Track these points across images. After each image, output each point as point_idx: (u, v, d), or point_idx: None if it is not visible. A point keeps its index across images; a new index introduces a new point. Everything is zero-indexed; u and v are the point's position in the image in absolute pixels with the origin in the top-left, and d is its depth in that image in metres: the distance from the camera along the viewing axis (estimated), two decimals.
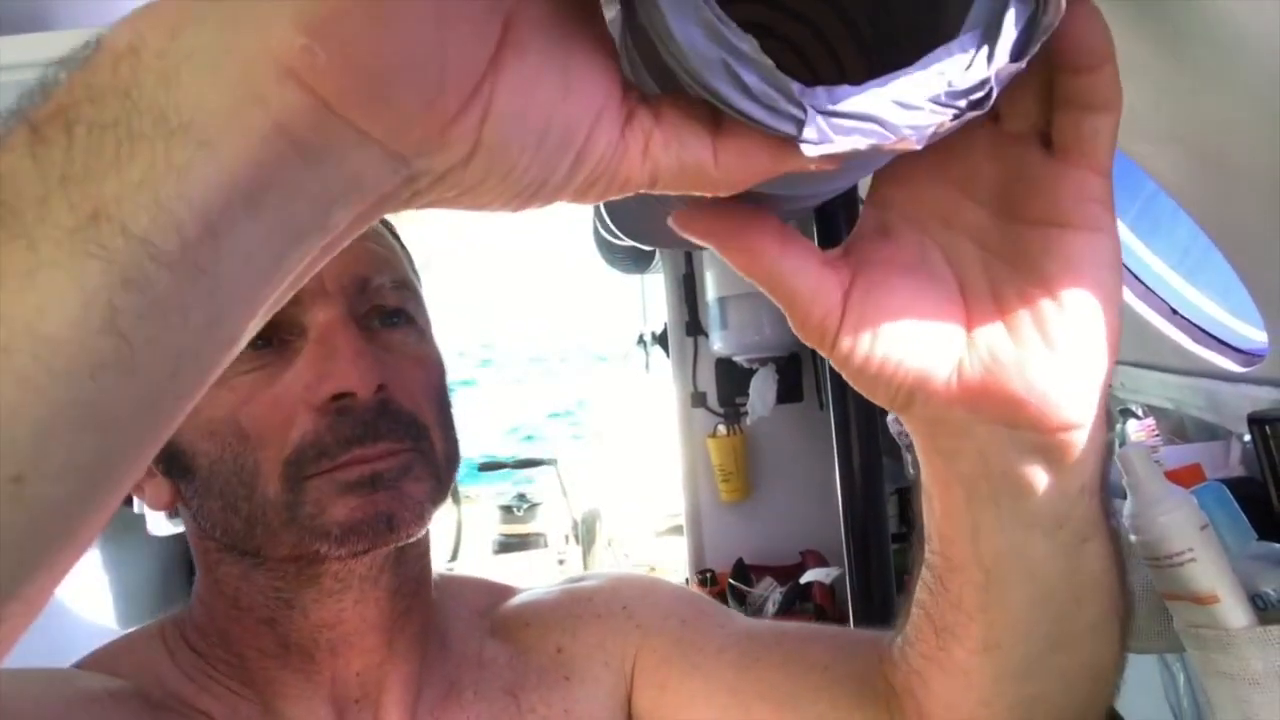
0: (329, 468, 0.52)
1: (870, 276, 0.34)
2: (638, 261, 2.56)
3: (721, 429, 2.51)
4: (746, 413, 2.40)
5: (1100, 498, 0.39)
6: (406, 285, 0.59)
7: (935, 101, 0.28)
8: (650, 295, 3.02)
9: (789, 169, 0.28)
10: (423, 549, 0.61)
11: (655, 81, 0.30)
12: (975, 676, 0.45)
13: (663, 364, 2.66)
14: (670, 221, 0.34)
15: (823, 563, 2.33)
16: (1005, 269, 0.34)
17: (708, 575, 2.49)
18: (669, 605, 0.68)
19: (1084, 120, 0.32)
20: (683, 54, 0.26)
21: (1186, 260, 0.90)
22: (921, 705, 0.51)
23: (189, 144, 0.22)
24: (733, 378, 2.45)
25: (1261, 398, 0.73)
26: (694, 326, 2.50)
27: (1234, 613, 0.57)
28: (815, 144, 0.27)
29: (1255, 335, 0.80)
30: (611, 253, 2.53)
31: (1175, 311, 0.89)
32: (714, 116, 0.28)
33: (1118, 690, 0.47)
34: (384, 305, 0.57)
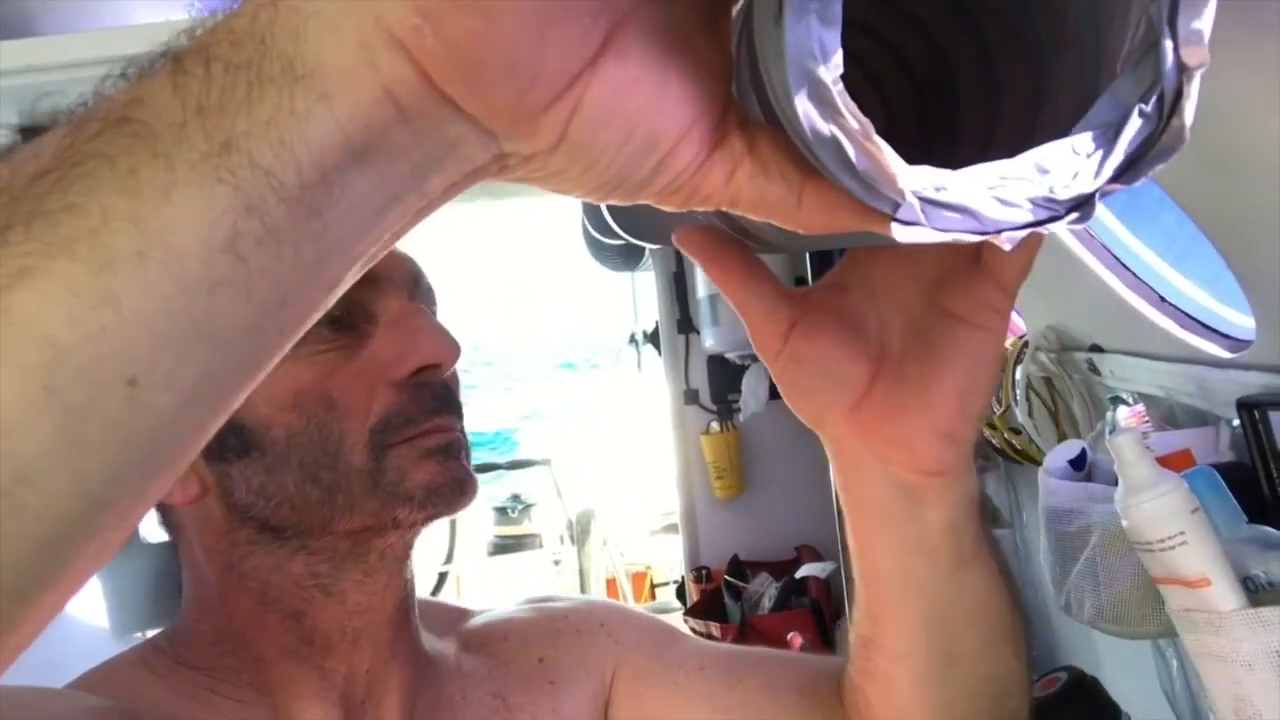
0: (412, 435, 0.56)
1: (815, 318, 0.42)
2: (627, 259, 2.56)
3: (714, 426, 2.51)
4: (739, 409, 2.40)
5: (973, 535, 0.46)
6: (433, 290, 0.64)
7: (1035, 203, 0.27)
8: (641, 293, 3.02)
9: (871, 230, 0.28)
10: (412, 555, 0.64)
11: (760, 111, 0.29)
12: (895, 683, 0.52)
13: (655, 362, 2.66)
14: (674, 237, 0.40)
15: (817, 557, 2.33)
16: (915, 343, 0.42)
17: (703, 572, 2.49)
18: (643, 626, 0.72)
19: (1004, 258, 0.39)
20: (795, 121, 0.26)
21: (1174, 248, 0.90)
22: (864, 717, 0.57)
23: (310, 94, 0.24)
24: (725, 374, 2.45)
25: (1250, 383, 0.74)
26: (685, 324, 2.50)
27: (1225, 595, 0.57)
28: (906, 225, 0.27)
29: (1242, 321, 0.81)
30: (601, 251, 2.53)
31: (1163, 299, 0.90)
32: (808, 162, 0.28)
33: (1028, 699, 0.54)
34: (427, 306, 0.61)
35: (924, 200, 0.27)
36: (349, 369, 0.56)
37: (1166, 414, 0.90)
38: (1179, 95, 0.27)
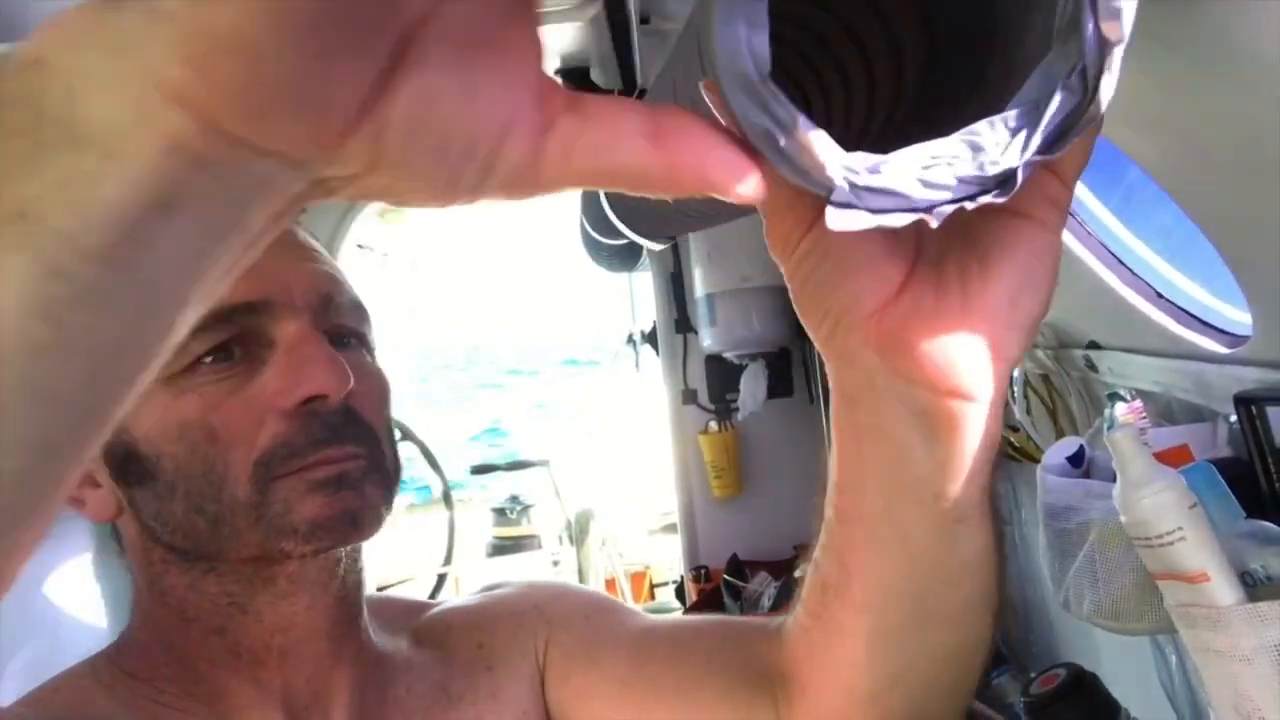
0: (299, 467, 0.54)
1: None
2: (625, 260, 2.56)
3: (713, 425, 2.51)
4: (737, 409, 2.40)
5: (981, 488, 0.41)
6: (360, 307, 0.62)
7: (963, 180, 0.29)
8: (639, 293, 3.02)
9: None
10: (362, 561, 0.64)
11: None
12: (850, 637, 0.48)
13: (653, 362, 2.66)
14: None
15: None
16: (957, 241, 0.37)
17: (702, 572, 2.49)
18: (577, 603, 0.72)
19: None
20: (733, 114, 0.28)
21: (1170, 244, 0.90)
22: (803, 677, 0.54)
23: (94, 155, 0.23)
24: (723, 374, 2.45)
25: (1247, 378, 0.74)
26: (683, 324, 2.50)
27: (1224, 590, 0.57)
28: (840, 209, 0.28)
29: (1239, 317, 0.81)
30: (599, 251, 2.53)
31: (1160, 295, 0.90)
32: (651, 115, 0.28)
33: (979, 676, 0.49)
34: (344, 325, 0.60)
35: (854, 185, 0.28)
36: (236, 400, 0.55)
37: (1164, 410, 0.90)
38: (1100, 70, 0.28)
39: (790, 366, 2.44)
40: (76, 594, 2.10)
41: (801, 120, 0.28)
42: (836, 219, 0.28)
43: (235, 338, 0.56)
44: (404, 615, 0.72)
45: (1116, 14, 0.28)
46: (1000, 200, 0.29)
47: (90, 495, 0.58)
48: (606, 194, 1.22)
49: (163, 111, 0.22)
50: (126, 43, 0.22)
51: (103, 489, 0.58)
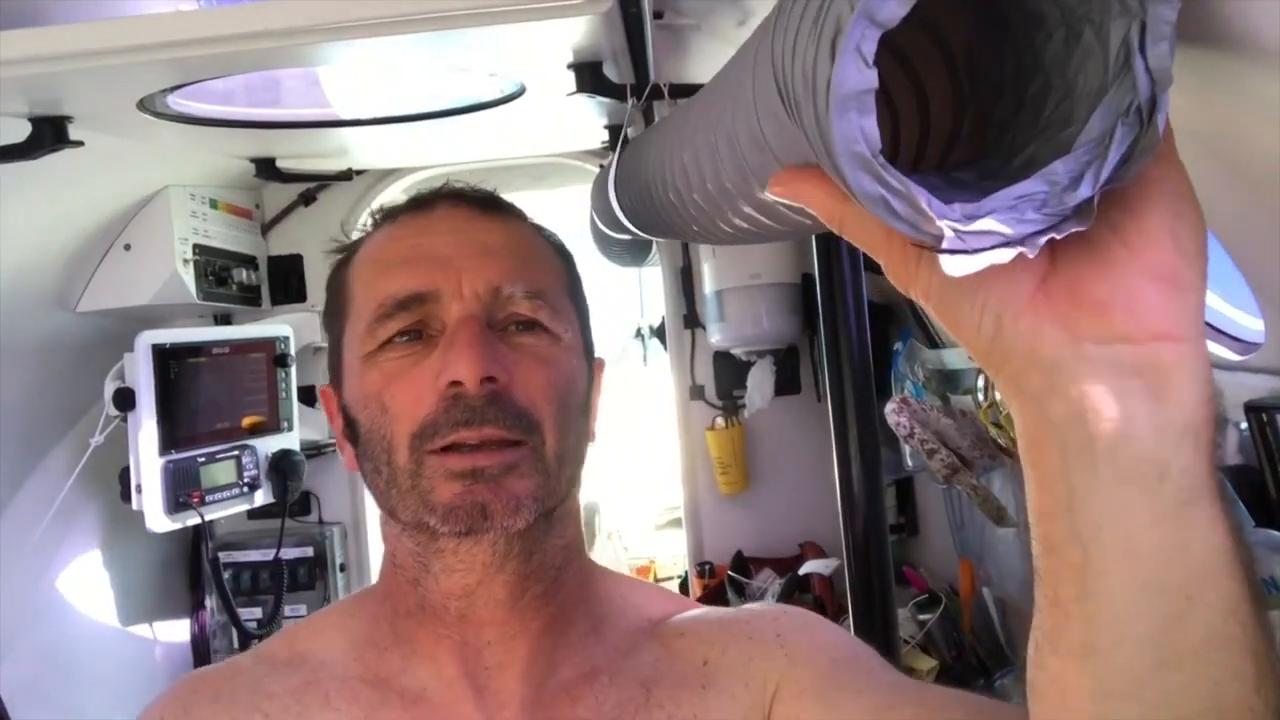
0: (442, 447, 0.60)
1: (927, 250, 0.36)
2: (635, 255, 2.56)
3: (720, 421, 2.50)
4: (744, 405, 2.40)
5: (1209, 456, 0.36)
6: (541, 295, 0.66)
7: (1048, 214, 0.33)
8: (648, 288, 3.02)
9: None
10: (563, 542, 0.67)
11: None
12: (1072, 696, 0.39)
13: (661, 357, 2.66)
14: (770, 189, 0.42)
15: (821, 554, 2.33)
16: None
17: (707, 567, 2.49)
18: (823, 641, 0.70)
19: None
20: (850, 186, 0.33)
21: None
22: None
23: None
24: (731, 370, 2.45)
25: (1259, 386, 0.74)
26: (692, 319, 2.50)
27: None
28: (953, 255, 0.33)
29: (1253, 324, 0.81)
30: (609, 246, 2.53)
31: None
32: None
33: None
34: (517, 313, 0.65)
35: (959, 232, 0.32)
36: (407, 378, 0.63)
37: None
38: (1154, 105, 0.33)
39: (798, 364, 2.44)
40: (86, 584, 2.11)
41: (912, 186, 0.32)
42: (952, 265, 0.33)
43: (420, 323, 0.64)
44: (663, 608, 0.74)
45: (1164, 57, 0.33)
46: (1083, 227, 0.33)
47: (344, 449, 0.69)
48: (616, 192, 1.21)
49: None
50: None
51: (349, 446, 0.68)
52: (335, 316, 0.71)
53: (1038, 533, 0.39)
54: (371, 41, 0.99)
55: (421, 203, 0.71)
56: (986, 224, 0.32)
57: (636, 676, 0.67)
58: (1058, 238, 0.33)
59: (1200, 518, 0.35)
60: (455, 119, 1.60)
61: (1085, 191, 0.33)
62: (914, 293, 0.39)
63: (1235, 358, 0.79)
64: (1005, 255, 0.33)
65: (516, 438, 0.61)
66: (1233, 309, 0.84)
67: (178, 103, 1.33)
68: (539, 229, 0.74)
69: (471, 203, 0.71)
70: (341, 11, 0.93)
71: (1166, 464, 0.35)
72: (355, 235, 0.75)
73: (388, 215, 0.72)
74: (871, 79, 0.32)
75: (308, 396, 2.18)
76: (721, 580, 2.37)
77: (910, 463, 2.03)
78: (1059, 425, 0.36)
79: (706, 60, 1.31)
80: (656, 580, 3.76)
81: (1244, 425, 0.75)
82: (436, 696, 0.65)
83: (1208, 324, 0.85)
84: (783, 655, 0.67)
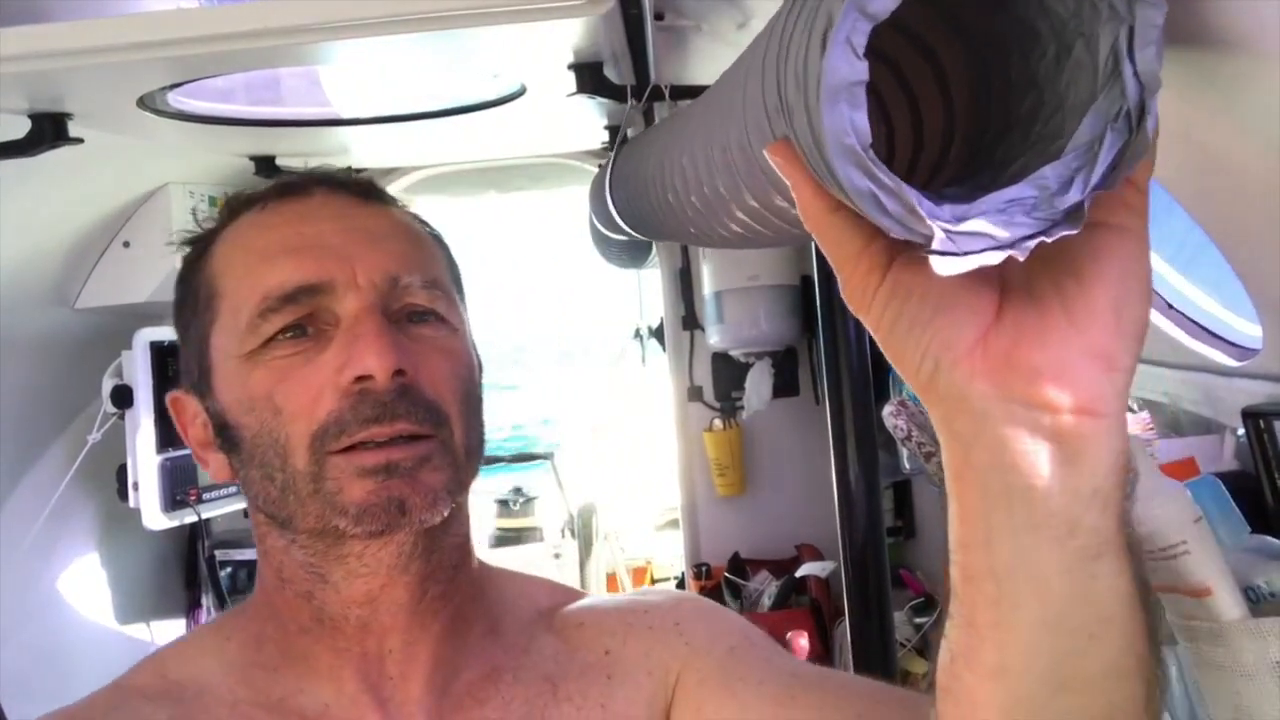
0: (348, 445, 0.57)
1: (916, 251, 0.36)
2: (634, 256, 2.56)
3: (718, 423, 2.51)
4: (742, 407, 2.40)
5: (1117, 516, 0.38)
6: (437, 285, 0.63)
7: (1038, 217, 0.33)
8: (647, 289, 3.02)
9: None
10: (458, 540, 0.65)
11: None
12: (983, 709, 0.42)
13: (659, 358, 2.66)
14: (768, 151, 0.39)
15: (818, 556, 2.33)
16: (1044, 262, 0.36)
17: (703, 569, 2.49)
18: (721, 630, 0.69)
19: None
20: (839, 181, 0.33)
21: (1182, 255, 0.90)
22: None
23: None
24: (729, 372, 2.45)
25: (1256, 392, 0.74)
26: (690, 320, 2.50)
27: (1227, 605, 0.57)
28: (942, 255, 0.33)
29: (1250, 330, 0.81)
30: (608, 247, 2.53)
31: (1170, 306, 0.89)
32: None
33: None
34: (414, 304, 0.61)
35: (949, 233, 0.32)
36: (300, 375, 0.58)
37: (1171, 421, 0.90)
38: (1143, 111, 0.33)
39: (796, 366, 2.44)
40: (82, 581, 2.11)
41: (901, 183, 0.32)
42: (941, 264, 0.33)
43: (307, 317, 0.59)
44: (550, 599, 0.72)
45: (1152, 61, 0.33)
46: (1073, 231, 0.33)
47: (211, 458, 0.64)
48: (611, 194, 1.21)
49: None
50: None
51: (219, 453, 0.63)
52: (198, 314, 0.64)
53: (956, 559, 0.42)
54: (371, 41, 1.00)
55: (293, 188, 0.65)
56: (977, 225, 0.32)
57: (540, 671, 0.65)
58: (1048, 241, 0.33)
59: (1106, 570, 0.39)
60: (455, 119, 1.60)
61: (1075, 196, 0.33)
62: (865, 320, 0.39)
63: (1232, 363, 0.79)
64: (995, 258, 0.33)
65: (427, 431, 0.58)
66: (1230, 314, 0.84)
67: (178, 100, 1.33)
68: (418, 217, 0.70)
69: (351, 189, 0.66)
70: (341, 11, 0.93)
71: (1076, 521, 0.38)
72: (207, 225, 0.68)
73: (251, 201, 0.66)
74: (862, 70, 0.32)
75: None
76: (718, 582, 2.37)
77: (908, 466, 2.04)
78: (981, 470, 0.39)
79: (707, 62, 1.31)
80: (653, 581, 3.76)
81: (1241, 431, 0.75)
82: (339, 714, 0.61)
83: (1205, 329, 0.85)
84: (683, 644, 0.67)
